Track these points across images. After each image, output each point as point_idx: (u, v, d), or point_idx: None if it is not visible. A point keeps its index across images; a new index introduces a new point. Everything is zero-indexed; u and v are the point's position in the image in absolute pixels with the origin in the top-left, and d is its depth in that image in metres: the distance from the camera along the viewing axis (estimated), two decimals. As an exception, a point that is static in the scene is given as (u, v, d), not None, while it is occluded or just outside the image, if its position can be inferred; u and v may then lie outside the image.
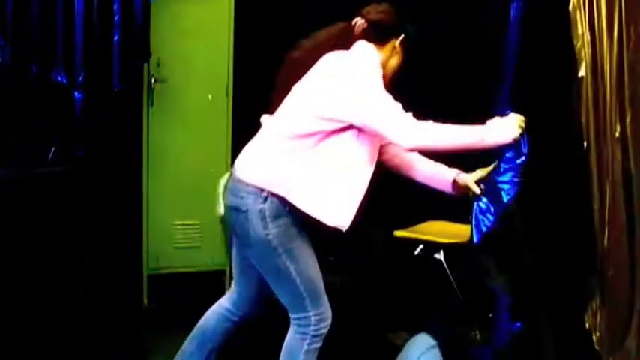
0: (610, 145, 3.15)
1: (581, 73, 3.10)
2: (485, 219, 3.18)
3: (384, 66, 3.19)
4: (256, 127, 5.77)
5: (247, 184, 3.09)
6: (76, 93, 4.39)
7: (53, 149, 4.42)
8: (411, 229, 4.89)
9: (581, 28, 3.07)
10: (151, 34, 4.66)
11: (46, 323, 4.13)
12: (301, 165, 3.04)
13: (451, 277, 4.64)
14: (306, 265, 3.13)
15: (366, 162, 3.12)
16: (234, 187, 3.14)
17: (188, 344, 3.45)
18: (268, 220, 3.05)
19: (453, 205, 4.94)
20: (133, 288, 4.97)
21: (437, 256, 4.70)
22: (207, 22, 5.01)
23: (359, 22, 3.22)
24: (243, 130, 5.29)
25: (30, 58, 4.29)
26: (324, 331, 3.20)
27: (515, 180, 3.11)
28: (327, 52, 3.19)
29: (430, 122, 3.04)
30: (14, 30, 4.25)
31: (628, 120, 3.17)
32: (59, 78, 4.37)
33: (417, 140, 3.01)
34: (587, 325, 3.27)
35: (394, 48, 3.22)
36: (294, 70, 3.19)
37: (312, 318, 3.16)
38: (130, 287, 4.97)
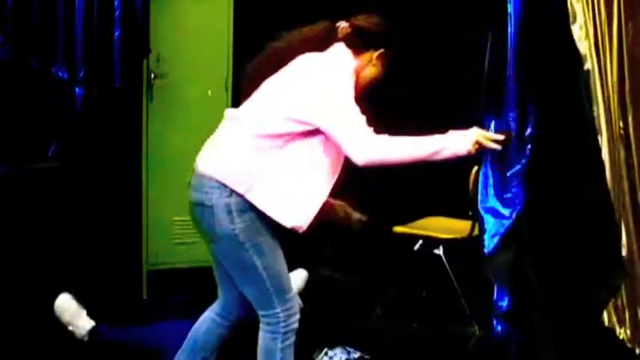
0: (616, 142, 3.15)
1: (587, 66, 3.08)
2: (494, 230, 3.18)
3: (357, 74, 3.15)
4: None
5: (211, 179, 3.04)
6: (77, 89, 4.40)
7: (53, 145, 4.43)
8: (410, 224, 4.90)
9: (583, 22, 3.06)
10: (150, 30, 4.67)
11: (45, 318, 4.13)
12: (266, 164, 3.01)
13: (450, 273, 4.66)
14: (273, 260, 3.08)
15: (330, 167, 3.09)
16: (198, 183, 3.09)
17: (180, 354, 3.39)
18: (234, 214, 3.01)
19: (452, 200, 4.97)
20: (132, 283, 4.98)
21: (436, 251, 4.71)
22: (206, 18, 5.01)
23: (343, 25, 3.20)
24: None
25: (30, 54, 4.29)
26: (295, 326, 3.15)
27: (520, 190, 3.11)
28: (308, 48, 3.16)
29: (385, 136, 2.99)
30: (14, 25, 4.26)
31: (630, 117, 3.17)
32: (60, 74, 4.37)
33: (368, 157, 2.97)
34: (606, 323, 3.25)
35: (371, 59, 3.18)
36: (274, 61, 3.16)
37: (281, 315, 3.11)
38: (129, 283, 4.98)
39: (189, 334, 3.39)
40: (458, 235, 4.66)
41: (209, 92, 5.08)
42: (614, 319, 3.24)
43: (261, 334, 3.16)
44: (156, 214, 5.00)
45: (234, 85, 5.08)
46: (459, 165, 4.66)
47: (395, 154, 3.01)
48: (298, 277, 4.84)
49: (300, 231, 3.06)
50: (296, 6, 5.86)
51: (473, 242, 4.42)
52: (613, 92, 3.15)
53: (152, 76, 4.90)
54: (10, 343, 4.03)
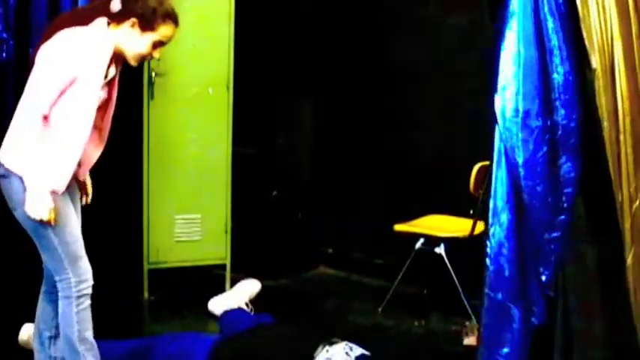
0: None
1: (594, 64, 3.06)
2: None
3: (121, 44, 3.30)
4: (257, 121, 5.80)
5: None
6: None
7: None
8: (411, 222, 4.90)
9: (589, 20, 3.04)
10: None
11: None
12: (31, 135, 3.14)
13: (451, 271, 4.66)
14: (64, 227, 3.26)
15: (81, 126, 3.25)
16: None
17: (33, 342, 3.63)
18: None
19: (453, 198, 4.98)
20: (133, 281, 4.98)
21: (437, 250, 4.71)
22: (207, 15, 4.99)
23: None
24: (244, 123, 5.32)
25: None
26: (87, 291, 3.33)
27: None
28: (75, 22, 3.28)
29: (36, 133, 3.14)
30: (17, 23, 4.25)
31: None
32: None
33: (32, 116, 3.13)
34: None
35: (128, 28, 3.29)
36: (50, 33, 3.28)
37: (72, 280, 3.30)
38: (130, 281, 4.98)
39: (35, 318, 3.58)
40: (459, 234, 4.66)
41: (210, 90, 5.07)
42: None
43: (59, 302, 3.35)
44: (157, 212, 5.00)
45: (235, 83, 5.08)
46: (461, 163, 4.70)
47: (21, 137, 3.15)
48: (252, 287, 4.85)
49: (59, 192, 3.23)
50: (295, 4, 5.87)
51: (474, 241, 4.43)
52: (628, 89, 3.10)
53: (153, 74, 4.89)
54: (10, 339, 4.04)
